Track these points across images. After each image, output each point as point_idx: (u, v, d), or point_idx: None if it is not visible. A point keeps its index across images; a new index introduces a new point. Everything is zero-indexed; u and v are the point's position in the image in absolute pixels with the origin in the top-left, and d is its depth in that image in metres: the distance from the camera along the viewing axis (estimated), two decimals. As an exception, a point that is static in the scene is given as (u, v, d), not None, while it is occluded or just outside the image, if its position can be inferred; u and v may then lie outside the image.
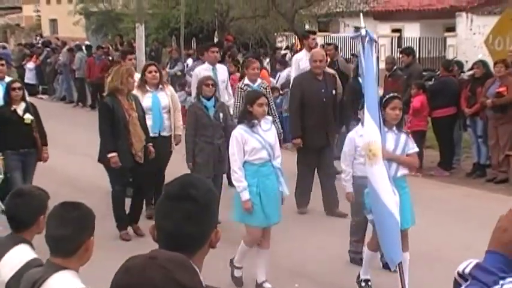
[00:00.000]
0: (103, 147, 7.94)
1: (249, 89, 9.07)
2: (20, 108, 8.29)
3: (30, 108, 8.40)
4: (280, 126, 10.02)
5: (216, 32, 25.85)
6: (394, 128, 6.26)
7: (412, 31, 25.49)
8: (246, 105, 6.47)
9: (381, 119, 5.76)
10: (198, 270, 1.73)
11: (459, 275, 1.99)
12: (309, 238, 8.00)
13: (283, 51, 21.26)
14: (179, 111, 9.14)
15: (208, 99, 8.17)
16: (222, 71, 10.44)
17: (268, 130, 6.45)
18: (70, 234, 2.95)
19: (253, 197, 6.30)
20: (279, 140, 7.29)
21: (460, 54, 21.49)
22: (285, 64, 15.86)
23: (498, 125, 10.65)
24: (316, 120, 8.90)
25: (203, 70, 10.06)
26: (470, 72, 12.12)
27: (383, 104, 6.16)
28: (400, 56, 13.96)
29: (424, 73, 14.94)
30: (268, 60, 18.91)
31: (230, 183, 8.31)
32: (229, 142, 6.49)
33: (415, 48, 17.33)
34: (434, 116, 11.44)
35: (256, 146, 6.32)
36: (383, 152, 5.65)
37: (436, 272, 6.52)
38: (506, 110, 10.50)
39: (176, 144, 9.03)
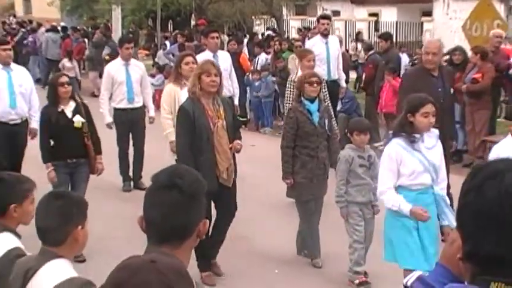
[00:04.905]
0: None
1: None
2: (68, 108, 6.77)
3: (81, 108, 6.86)
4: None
5: (193, 15, 25.70)
6: None
7: (389, 15, 25.55)
8: (406, 114, 5.14)
9: None
10: (194, 282, 1.71)
11: (405, 287, 1.95)
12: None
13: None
14: None
15: (312, 101, 6.63)
16: (224, 59, 9.38)
17: (433, 147, 5.18)
18: (54, 225, 2.90)
19: (411, 234, 5.11)
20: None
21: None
22: (263, 48, 15.83)
23: (474, 111, 10.74)
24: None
25: (204, 58, 8.79)
26: (446, 57, 12.19)
27: None
28: (378, 41, 13.99)
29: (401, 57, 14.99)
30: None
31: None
32: (381, 159, 5.16)
33: (392, 33, 17.37)
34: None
35: (417, 168, 5.10)
36: None
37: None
38: (481, 96, 10.59)
39: None
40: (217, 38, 9.73)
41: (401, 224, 5.17)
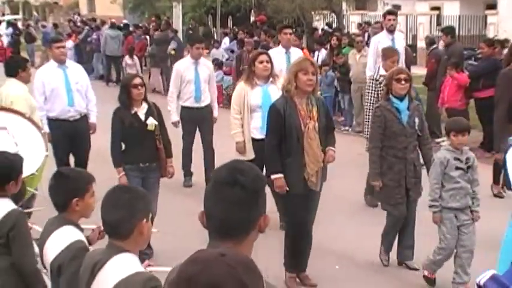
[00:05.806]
0: (268, 165, 6.04)
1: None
2: (141, 111, 6.52)
3: (154, 110, 6.62)
4: None
5: (252, 11, 25.77)
6: None
7: (451, 9, 25.06)
8: None
9: None
10: (262, 275, 1.72)
11: (478, 286, 1.96)
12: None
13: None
14: None
15: (401, 99, 6.25)
16: (296, 55, 8.76)
17: None
18: (122, 217, 2.95)
19: None
20: None
21: (501, 32, 21.07)
22: (322, 44, 15.77)
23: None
24: None
25: (277, 54, 8.74)
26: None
27: None
28: (441, 35, 13.72)
29: (464, 52, 14.69)
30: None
31: None
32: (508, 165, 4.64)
33: (454, 27, 17.01)
34: (479, 96, 11.13)
35: None
36: None
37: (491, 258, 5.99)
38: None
39: None
40: (290, 34, 9.38)
41: None
